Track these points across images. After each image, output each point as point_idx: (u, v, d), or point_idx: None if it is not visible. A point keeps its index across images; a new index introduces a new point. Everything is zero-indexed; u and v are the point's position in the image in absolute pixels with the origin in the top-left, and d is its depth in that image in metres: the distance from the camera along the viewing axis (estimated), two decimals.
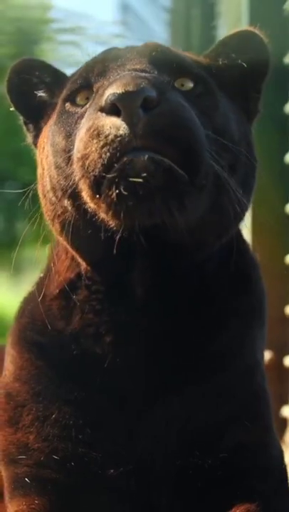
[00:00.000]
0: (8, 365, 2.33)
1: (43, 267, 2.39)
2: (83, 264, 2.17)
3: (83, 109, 2.10)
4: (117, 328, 2.16)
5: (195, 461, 2.15)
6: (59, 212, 2.12)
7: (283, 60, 3.62)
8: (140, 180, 1.87)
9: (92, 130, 1.92)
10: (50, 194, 2.16)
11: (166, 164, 1.89)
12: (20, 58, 2.31)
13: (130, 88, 1.87)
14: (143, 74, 1.94)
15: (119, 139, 1.88)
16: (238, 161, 2.12)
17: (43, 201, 2.22)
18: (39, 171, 2.25)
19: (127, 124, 1.87)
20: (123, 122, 1.88)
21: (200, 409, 2.18)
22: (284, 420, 3.57)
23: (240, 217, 2.16)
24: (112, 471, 2.13)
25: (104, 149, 1.89)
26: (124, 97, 1.87)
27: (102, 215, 1.96)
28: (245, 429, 2.21)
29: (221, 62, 2.22)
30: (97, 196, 1.93)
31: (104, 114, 1.91)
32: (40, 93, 2.31)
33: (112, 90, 1.89)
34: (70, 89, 2.16)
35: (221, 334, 2.22)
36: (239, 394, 2.23)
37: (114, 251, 1.99)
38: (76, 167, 1.98)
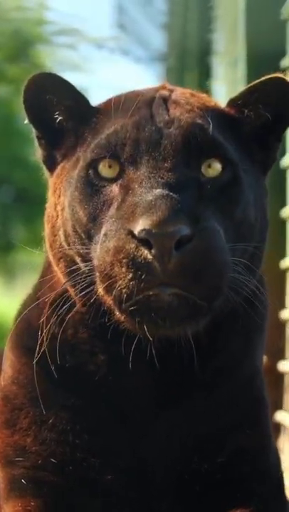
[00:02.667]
0: (7, 369, 2.34)
1: (40, 271, 2.39)
2: (78, 301, 2.17)
3: (108, 190, 2.09)
4: (112, 352, 2.17)
5: (195, 467, 2.17)
6: (67, 258, 2.17)
7: (280, 63, 3.61)
8: (163, 314, 1.95)
9: (121, 257, 1.94)
10: (62, 238, 2.19)
11: (191, 300, 1.95)
12: (43, 71, 2.25)
13: (166, 229, 1.88)
14: (179, 205, 1.92)
15: (148, 277, 1.91)
16: (252, 239, 2.15)
17: (50, 237, 2.25)
18: (50, 211, 2.26)
19: (158, 261, 1.90)
20: (154, 260, 1.90)
21: (202, 420, 2.20)
22: (278, 425, 3.57)
23: (248, 286, 2.14)
24: (110, 477, 2.15)
25: (132, 283, 1.92)
26: (159, 237, 1.89)
27: (120, 319, 2.03)
28: (246, 437, 2.23)
29: (246, 114, 2.22)
30: (119, 308, 1.99)
31: (135, 241, 1.92)
32: (59, 116, 2.26)
33: (146, 224, 1.89)
34: (97, 155, 2.12)
35: (224, 349, 2.24)
36: (240, 402, 2.26)
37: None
38: (99, 276, 2.01)
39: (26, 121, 2.29)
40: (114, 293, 1.96)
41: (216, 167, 2.10)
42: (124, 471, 2.15)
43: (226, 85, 5.13)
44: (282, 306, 3.65)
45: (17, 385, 2.28)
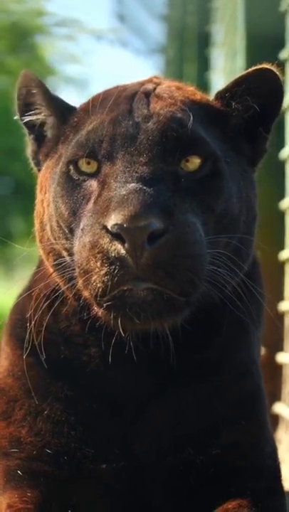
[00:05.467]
0: (3, 361, 2.35)
1: (37, 263, 2.40)
2: (68, 294, 2.19)
3: (88, 185, 2.11)
4: (101, 344, 2.18)
5: (188, 458, 2.18)
6: (55, 252, 2.19)
7: (279, 54, 3.61)
8: (137, 310, 1.95)
9: (96, 251, 1.95)
10: (49, 233, 2.21)
11: (166, 295, 1.95)
12: (24, 72, 2.29)
13: (138, 223, 1.88)
14: (151, 199, 1.93)
15: (121, 272, 1.92)
16: (236, 231, 2.15)
17: (39, 232, 2.27)
18: (38, 207, 2.29)
19: (131, 256, 1.90)
20: (127, 254, 1.90)
21: (195, 410, 2.20)
22: (276, 417, 3.57)
23: (234, 279, 2.15)
24: (104, 466, 2.15)
25: (107, 277, 1.93)
26: (130, 231, 1.89)
27: (98, 314, 2.05)
28: (241, 428, 2.23)
29: (234, 106, 2.20)
30: (96, 303, 2.01)
31: (109, 235, 1.93)
32: (40, 116, 2.31)
33: (118, 219, 1.89)
34: (76, 153, 2.14)
35: (217, 339, 2.24)
36: (235, 395, 2.25)
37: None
38: (78, 271, 2.02)
39: (16, 117, 2.34)
40: (90, 288, 1.97)
41: (195, 161, 2.10)
42: (118, 461, 2.16)
43: (225, 77, 5.12)
44: (281, 297, 3.65)
45: (12, 377, 2.29)
